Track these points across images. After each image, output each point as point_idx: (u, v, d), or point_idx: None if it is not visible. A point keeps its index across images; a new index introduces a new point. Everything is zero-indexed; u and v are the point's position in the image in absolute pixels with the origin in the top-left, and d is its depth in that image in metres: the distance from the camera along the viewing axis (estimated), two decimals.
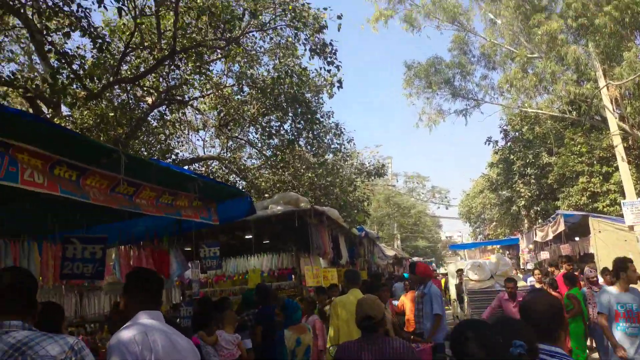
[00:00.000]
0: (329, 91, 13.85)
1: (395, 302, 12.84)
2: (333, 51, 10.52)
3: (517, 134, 26.47)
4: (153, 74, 13.19)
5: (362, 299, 4.40)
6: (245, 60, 13.90)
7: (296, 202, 10.26)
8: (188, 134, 18.07)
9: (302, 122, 13.03)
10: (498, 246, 35.82)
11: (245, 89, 13.39)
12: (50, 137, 3.47)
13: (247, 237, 10.31)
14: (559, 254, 19.00)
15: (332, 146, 17.62)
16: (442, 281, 21.09)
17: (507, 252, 31.97)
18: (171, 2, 10.20)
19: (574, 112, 21.94)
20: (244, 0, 10.94)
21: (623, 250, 15.18)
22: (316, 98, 15.76)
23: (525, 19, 20.92)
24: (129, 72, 12.59)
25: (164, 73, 12.84)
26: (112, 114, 10.54)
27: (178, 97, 12.52)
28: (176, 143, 17.25)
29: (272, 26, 11.17)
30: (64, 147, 3.61)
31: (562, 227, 17.31)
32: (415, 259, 41.43)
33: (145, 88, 13.38)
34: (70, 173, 3.74)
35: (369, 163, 21.68)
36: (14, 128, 3.15)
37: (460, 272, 14.24)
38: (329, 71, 10.90)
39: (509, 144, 27.32)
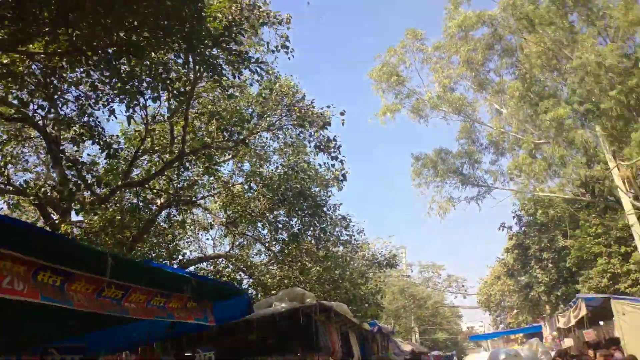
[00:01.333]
0: (337, 184, 14.08)
1: None
2: (337, 146, 10.85)
3: (530, 218, 26.26)
4: (163, 177, 13.60)
5: None
6: (255, 159, 14.33)
7: (302, 298, 10.04)
8: (197, 234, 18.23)
9: (308, 215, 13.10)
10: (521, 334, 34.34)
11: (253, 186, 13.66)
12: (36, 242, 3.50)
13: (251, 338, 9.98)
14: (583, 340, 18.06)
15: (342, 238, 17.55)
16: None
17: (531, 340, 30.53)
18: (183, 109, 10.71)
19: (588, 195, 21.87)
20: (251, 105, 11.51)
21: None
22: (325, 192, 15.98)
23: (531, 107, 21.52)
24: (140, 176, 12.98)
25: (174, 175, 13.21)
26: (119, 217, 10.72)
27: (185, 198, 12.76)
28: (185, 244, 17.36)
29: (278, 127, 11.67)
30: (50, 252, 3.63)
31: (583, 312, 16.55)
32: (434, 353, 39.52)
33: (155, 191, 13.68)
34: (55, 278, 3.74)
35: (380, 254, 21.40)
36: None
37: None
38: (332, 165, 11.20)
39: (523, 228, 27.04)
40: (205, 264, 16.89)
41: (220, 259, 16.38)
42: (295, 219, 13.76)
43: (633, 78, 18.78)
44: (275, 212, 13.67)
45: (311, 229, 13.97)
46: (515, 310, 38.45)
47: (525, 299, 29.22)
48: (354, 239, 18.08)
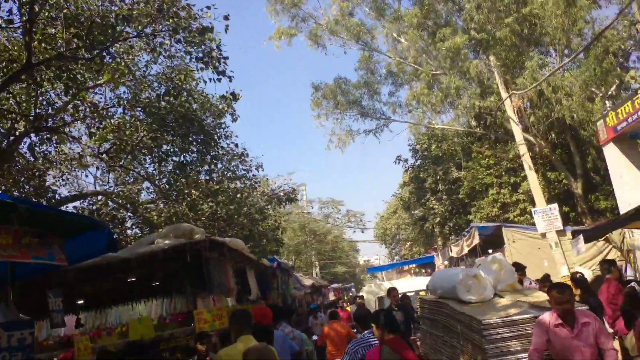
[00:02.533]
0: (226, 108, 12.54)
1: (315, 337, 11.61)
2: (221, 57, 9.22)
3: (425, 152, 26.63)
4: (18, 99, 11.39)
5: (248, 350, 3.32)
6: (134, 83, 12.39)
7: (190, 234, 8.84)
8: (73, 170, 16.10)
9: (196, 142, 11.58)
10: (414, 265, 36.01)
11: (128, 112, 11.80)
12: None
13: (130, 279, 8.73)
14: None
15: (237, 173, 16.30)
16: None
17: (423, 270, 32.01)
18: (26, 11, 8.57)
19: (480, 127, 22.30)
20: (114, 7, 9.43)
21: (538, 257, 15.14)
22: (217, 122, 14.50)
23: (429, 36, 21.10)
24: None
25: (30, 97, 11.08)
26: None
27: (44, 124, 10.68)
28: (60, 181, 15.25)
29: (147, 33, 9.65)
30: None
31: (477, 240, 17.08)
32: (334, 285, 40.45)
33: (9, 115, 11.49)
34: None
35: (280, 189, 20.47)
36: None
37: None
38: (219, 80, 9.58)
39: (418, 161, 27.41)
40: (85, 203, 14.97)
41: (99, 197, 14.51)
42: (182, 149, 12.14)
43: (527, 6, 18.91)
44: (158, 141, 11.96)
45: (198, 157, 12.51)
46: (409, 243, 40.05)
47: (420, 231, 30.18)
48: (252, 175, 16.89)
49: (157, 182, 13.98)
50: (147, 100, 11.45)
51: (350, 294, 38.88)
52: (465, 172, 22.94)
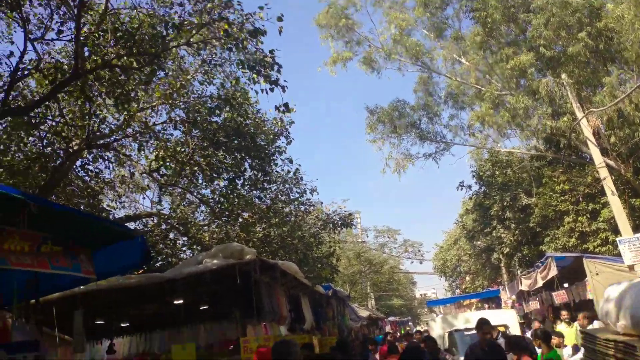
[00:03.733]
0: (280, 124, 11.91)
1: None
2: (275, 65, 8.52)
3: (490, 178, 25.04)
4: (75, 117, 11.24)
5: None
6: (188, 104, 12.07)
7: (240, 255, 8.10)
8: (131, 193, 16.07)
9: (247, 158, 10.96)
10: (476, 300, 33.97)
11: (180, 127, 11.39)
12: None
13: (177, 301, 8.07)
14: (548, 303, 17.03)
15: (291, 195, 15.63)
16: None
17: (486, 305, 29.96)
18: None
19: (551, 150, 20.72)
20: (166, 17, 9.05)
21: None
22: (272, 141, 13.97)
23: (491, 55, 19.98)
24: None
25: (84, 114, 10.88)
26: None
27: (100, 141, 10.41)
28: (117, 203, 15.17)
29: (197, 41, 9.11)
30: None
31: (554, 272, 15.42)
32: (391, 318, 38.69)
33: (64, 133, 11.34)
34: None
35: (335, 214, 19.61)
36: None
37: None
38: (271, 89, 8.87)
39: (483, 188, 25.78)
40: (139, 224, 14.76)
41: (152, 217, 14.19)
42: (234, 164, 11.57)
43: (602, 20, 17.49)
44: (209, 158, 11.43)
45: (254, 178, 11.91)
46: (470, 275, 38.00)
47: (485, 262, 28.35)
48: (306, 198, 16.16)
49: (210, 203, 13.50)
50: (197, 115, 11.01)
51: (407, 328, 37.08)
52: (536, 198, 21.22)
